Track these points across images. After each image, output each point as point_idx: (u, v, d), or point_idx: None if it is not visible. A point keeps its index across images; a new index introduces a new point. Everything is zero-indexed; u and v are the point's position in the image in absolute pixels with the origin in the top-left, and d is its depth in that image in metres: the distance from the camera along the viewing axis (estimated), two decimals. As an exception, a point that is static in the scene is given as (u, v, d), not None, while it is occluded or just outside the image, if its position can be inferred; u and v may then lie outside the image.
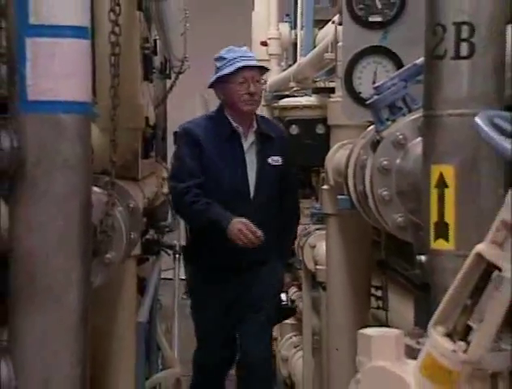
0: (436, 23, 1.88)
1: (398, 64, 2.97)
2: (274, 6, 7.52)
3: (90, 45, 1.99)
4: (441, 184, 1.89)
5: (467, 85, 1.86)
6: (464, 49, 1.84)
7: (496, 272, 1.59)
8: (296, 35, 6.48)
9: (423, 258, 1.99)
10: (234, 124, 4.56)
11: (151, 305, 5.38)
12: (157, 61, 6.43)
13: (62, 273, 1.92)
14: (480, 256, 1.60)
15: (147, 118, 4.95)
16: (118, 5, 2.44)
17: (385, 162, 2.21)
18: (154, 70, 5.57)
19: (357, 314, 3.60)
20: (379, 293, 3.37)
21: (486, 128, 1.52)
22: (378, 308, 3.38)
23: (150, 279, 5.58)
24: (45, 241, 1.90)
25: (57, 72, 1.87)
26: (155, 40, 5.35)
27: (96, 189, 2.42)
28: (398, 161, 2.21)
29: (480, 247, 1.61)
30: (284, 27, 7.23)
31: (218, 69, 4.60)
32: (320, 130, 4.89)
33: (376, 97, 2.37)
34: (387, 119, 2.33)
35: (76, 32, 1.90)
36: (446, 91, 1.89)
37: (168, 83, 7.04)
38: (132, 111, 4.32)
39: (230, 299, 4.75)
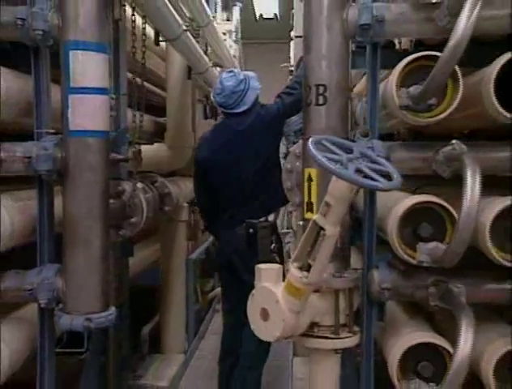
0: (306, 84, 1.88)
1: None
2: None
3: (108, 98, 1.97)
4: (309, 179, 1.88)
5: (324, 121, 1.85)
6: (321, 99, 1.83)
7: (322, 231, 1.58)
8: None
9: (301, 223, 1.98)
10: None
11: (208, 247, 5.35)
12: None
13: (91, 229, 1.93)
14: (315, 222, 1.60)
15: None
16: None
17: (289, 166, 2.19)
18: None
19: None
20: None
21: (312, 147, 1.50)
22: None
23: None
24: (80, 211, 1.92)
25: (85, 114, 1.89)
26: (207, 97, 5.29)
27: (129, 182, 2.42)
28: (297, 164, 2.18)
29: (315, 216, 1.61)
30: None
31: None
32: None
33: (287, 128, 2.36)
34: (293, 142, 2.31)
35: (98, 90, 1.91)
36: (312, 125, 1.88)
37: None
38: (185, 137, 4.37)
39: None
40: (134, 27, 2.76)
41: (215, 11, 7.59)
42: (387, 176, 1.54)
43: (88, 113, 1.88)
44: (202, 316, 4.99)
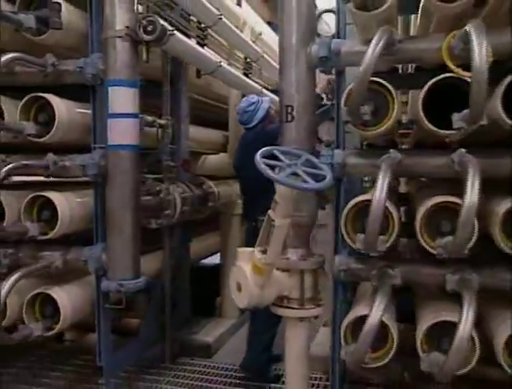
0: (280, 105, 1.89)
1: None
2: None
3: (138, 121, 2.11)
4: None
5: (293, 134, 1.86)
6: (289, 117, 1.84)
7: (273, 222, 1.60)
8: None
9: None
10: None
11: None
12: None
13: (123, 218, 2.10)
14: (268, 215, 1.62)
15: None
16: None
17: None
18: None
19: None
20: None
21: (258, 156, 1.52)
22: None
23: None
24: (116, 203, 2.10)
25: (119, 132, 2.07)
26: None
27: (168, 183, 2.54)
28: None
29: (269, 212, 1.63)
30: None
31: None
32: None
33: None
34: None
35: (129, 116, 2.08)
36: (285, 138, 1.88)
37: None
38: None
39: None
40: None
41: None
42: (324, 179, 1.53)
43: (120, 132, 2.05)
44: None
